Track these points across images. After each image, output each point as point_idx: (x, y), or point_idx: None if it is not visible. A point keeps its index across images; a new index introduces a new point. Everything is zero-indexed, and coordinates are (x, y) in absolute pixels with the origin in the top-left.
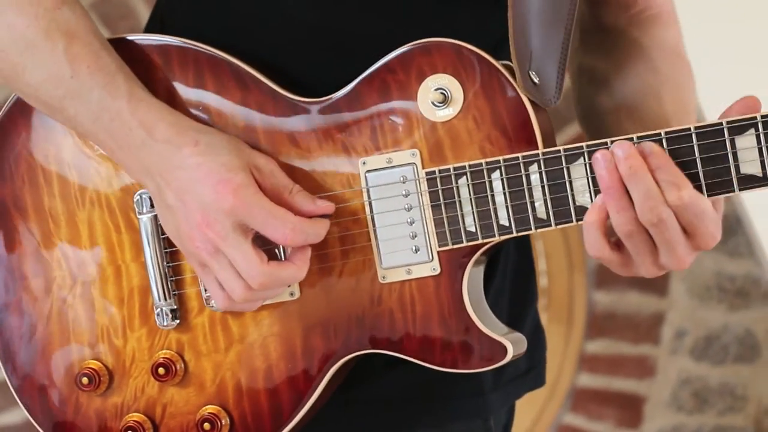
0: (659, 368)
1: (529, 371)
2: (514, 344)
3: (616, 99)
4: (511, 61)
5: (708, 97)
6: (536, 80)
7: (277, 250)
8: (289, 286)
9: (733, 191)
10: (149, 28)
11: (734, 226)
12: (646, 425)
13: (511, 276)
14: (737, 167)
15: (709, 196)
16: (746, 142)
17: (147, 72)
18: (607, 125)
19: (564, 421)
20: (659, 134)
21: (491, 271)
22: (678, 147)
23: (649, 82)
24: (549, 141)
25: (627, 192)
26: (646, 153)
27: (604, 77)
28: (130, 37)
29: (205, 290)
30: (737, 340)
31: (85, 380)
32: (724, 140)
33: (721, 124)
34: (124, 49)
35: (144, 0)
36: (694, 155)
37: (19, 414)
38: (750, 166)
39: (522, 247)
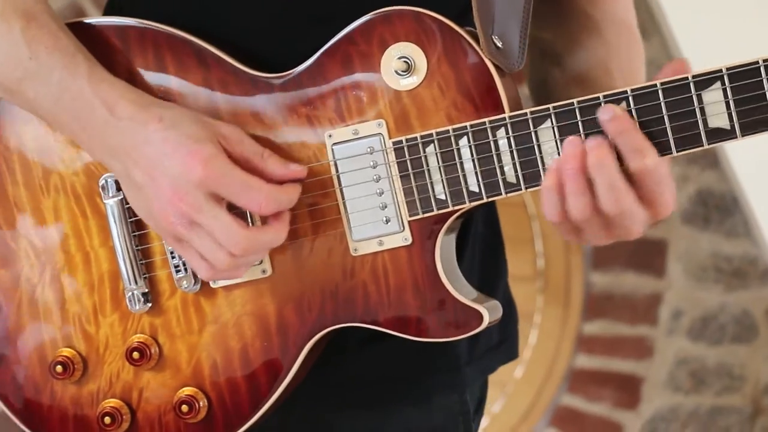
0: (657, 349)
1: (501, 344)
2: (489, 311)
3: (567, 73)
4: (474, 28)
5: None
6: (499, 44)
7: (248, 216)
8: (261, 263)
9: (702, 146)
10: (107, 12)
11: (731, 207)
12: (644, 406)
13: (480, 252)
14: (705, 121)
15: (678, 151)
16: (713, 96)
17: (106, 54)
18: (557, 98)
19: (562, 402)
20: (625, 92)
21: (460, 249)
22: (645, 105)
23: (600, 55)
24: (515, 106)
25: (586, 177)
26: (608, 118)
27: (555, 52)
28: (87, 20)
29: (177, 271)
30: (734, 320)
31: (59, 368)
32: (691, 95)
33: (687, 78)
34: (81, 32)
35: None
36: (662, 112)
37: None
38: (717, 119)
39: (490, 222)
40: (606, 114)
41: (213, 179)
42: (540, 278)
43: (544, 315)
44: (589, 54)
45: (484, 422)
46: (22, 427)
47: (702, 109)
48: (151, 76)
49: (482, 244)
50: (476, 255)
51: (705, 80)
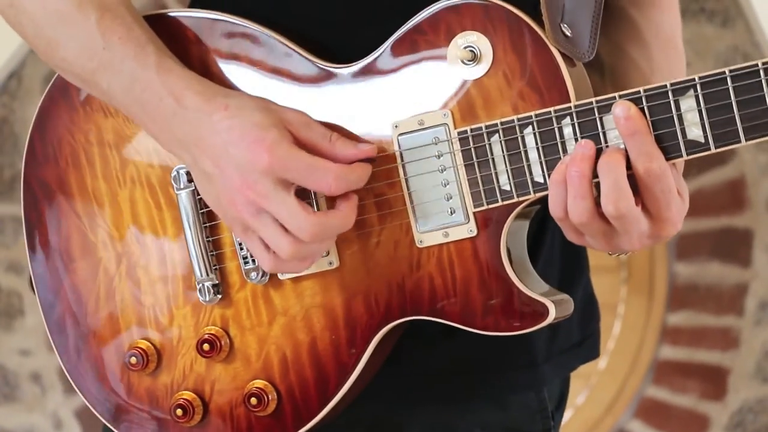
0: (743, 340)
1: (583, 342)
2: (557, 305)
3: (606, 79)
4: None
5: None
6: (568, 33)
7: (314, 203)
8: (328, 254)
9: None
10: (191, 5)
11: None
12: (731, 397)
13: (561, 246)
14: None
15: (747, 140)
16: None
17: (182, 46)
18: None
19: (647, 394)
20: (693, 80)
21: (540, 242)
22: (712, 91)
23: (642, 67)
24: (584, 96)
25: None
26: (624, 116)
27: (598, 58)
28: (165, 13)
29: (245, 263)
30: None
31: (133, 360)
32: (761, 80)
33: (757, 65)
34: (161, 24)
35: None
36: (730, 99)
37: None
38: None
39: None
40: (621, 111)
41: (279, 165)
42: (624, 269)
43: (628, 306)
44: (632, 64)
45: (568, 415)
46: (100, 418)
47: None
48: (224, 68)
49: (562, 240)
50: (555, 250)
51: None
